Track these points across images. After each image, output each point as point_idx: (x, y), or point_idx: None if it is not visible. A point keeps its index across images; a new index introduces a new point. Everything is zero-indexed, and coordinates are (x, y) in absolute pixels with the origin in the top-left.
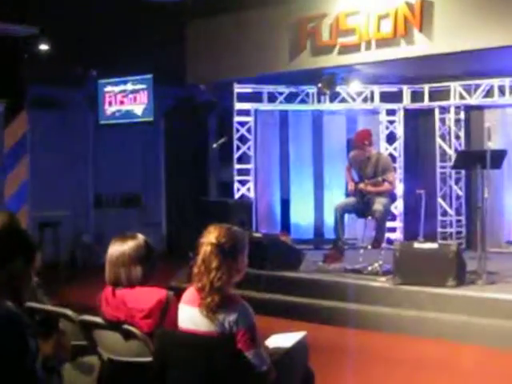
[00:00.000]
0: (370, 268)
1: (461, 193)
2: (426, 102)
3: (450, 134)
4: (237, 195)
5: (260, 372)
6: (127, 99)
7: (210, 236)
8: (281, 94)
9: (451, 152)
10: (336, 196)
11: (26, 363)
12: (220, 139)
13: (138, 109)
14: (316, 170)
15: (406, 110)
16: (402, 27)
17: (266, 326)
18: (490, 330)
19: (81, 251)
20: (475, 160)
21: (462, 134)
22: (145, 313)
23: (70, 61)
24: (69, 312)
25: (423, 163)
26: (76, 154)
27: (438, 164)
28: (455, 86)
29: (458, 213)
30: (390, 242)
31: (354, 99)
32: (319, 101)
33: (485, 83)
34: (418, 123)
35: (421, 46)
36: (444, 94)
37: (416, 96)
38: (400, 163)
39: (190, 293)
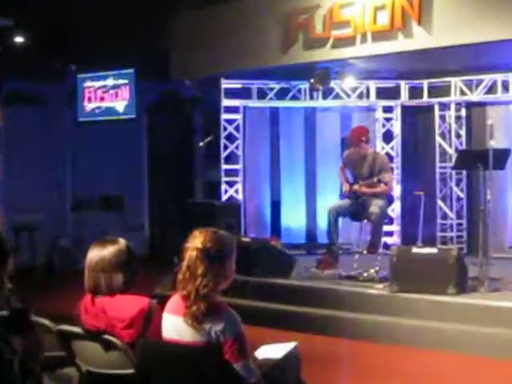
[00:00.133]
0: (365, 274)
1: (462, 194)
2: (425, 99)
3: (450, 132)
4: (224, 197)
5: None
6: (108, 95)
7: (196, 240)
8: (271, 89)
9: (451, 151)
10: (330, 198)
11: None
12: (206, 137)
13: (120, 105)
14: (308, 170)
15: (404, 107)
16: (399, 19)
17: (256, 336)
18: (492, 339)
19: (58, 256)
20: (477, 160)
21: (463, 132)
22: (126, 322)
23: (47, 54)
24: (46, 321)
25: (422, 163)
26: (53, 153)
27: (438, 164)
28: (456, 82)
29: (458, 216)
30: (386, 246)
31: (348, 95)
32: (312, 97)
33: (487, 78)
34: (417, 121)
35: (419, 39)
36: (444, 90)
37: (414, 92)
38: (397, 163)
39: (175, 301)
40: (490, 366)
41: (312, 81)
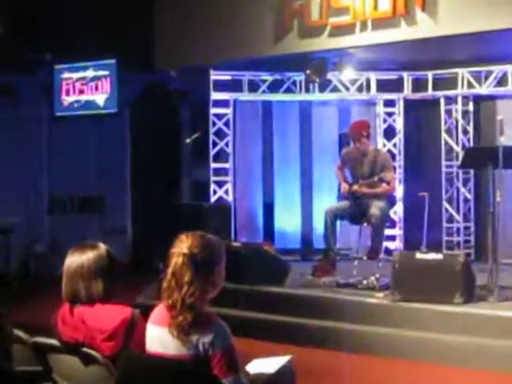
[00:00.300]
0: (365, 282)
1: (469, 196)
2: (430, 92)
3: (457, 128)
4: (213, 198)
5: None
6: (87, 88)
7: (182, 245)
8: (264, 82)
9: (458, 149)
10: (327, 199)
11: None
12: (194, 133)
13: (100, 98)
14: (304, 169)
15: (407, 101)
16: (402, 5)
17: (247, 349)
18: (502, 353)
19: (34, 262)
20: (486, 158)
21: (470, 128)
22: (107, 334)
23: (20, 43)
24: (20, 333)
25: (426, 162)
26: (28, 150)
27: (444, 163)
28: (463, 73)
29: (466, 219)
30: (388, 252)
31: (347, 88)
32: (307, 90)
33: (497, 70)
34: (421, 116)
35: (424, 26)
36: (450, 82)
37: (418, 84)
38: (400, 162)
39: (159, 311)
40: (498, 381)
41: (308, 72)
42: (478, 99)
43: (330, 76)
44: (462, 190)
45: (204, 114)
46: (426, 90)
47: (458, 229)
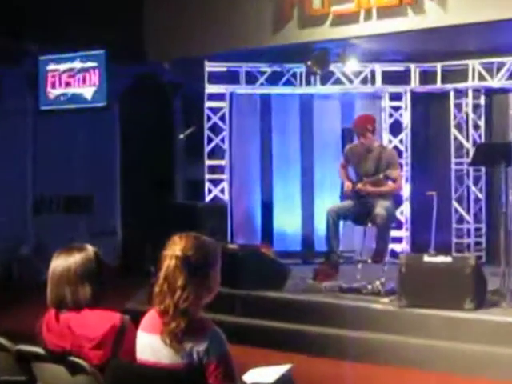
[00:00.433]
0: (370, 287)
1: (480, 195)
2: (439, 84)
3: (467, 122)
4: (208, 198)
5: None
6: (75, 80)
7: (175, 247)
8: (262, 74)
9: (469, 145)
10: (329, 199)
11: None
12: (187, 129)
13: (88, 92)
14: (305, 166)
15: (414, 94)
16: None
17: (244, 357)
18: None
19: (18, 266)
20: (498, 155)
21: (482, 122)
22: (95, 342)
23: (3, 33)
24: (3, 340)
25: (435, 159)
26: (12, 146)
27: (453, 160)
28: (474, 65)
29: (476, 219)
30: (394, 254)
31: (350, 80)
32: (308, 82)
33: (510, 61)
34: (429, 110)
35: (432, 15)
36: (460, 75)
37: (426, 77)
38: (406, 159)
39: (151, 317)
40: None
41: (309, 64)
42: (490, 92)
43: (332, 68)
44: (473, 188)
45: (198, 108)
46: (434, 82)
47: (469, 230)
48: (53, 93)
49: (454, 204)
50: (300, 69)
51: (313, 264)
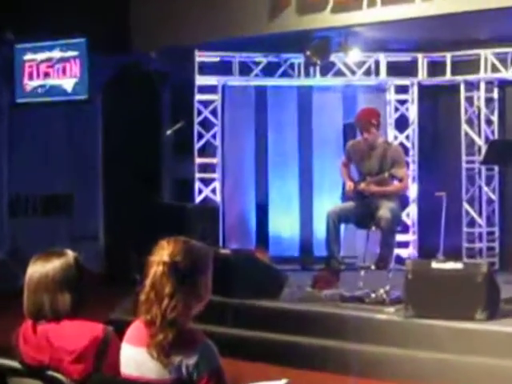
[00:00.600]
0: (373, 295)
1: (493, 196)
2: (448, 76)
3: (479, 117)
4: (198, 198)
5: None
6: (54, 70)
7: (162, 252)
8: (257, 64)
9: (481, 142)
10: (329, 200)
11: None
12: (176, 124)
13: (68, 83)
14: (303, 165)
15: (422, 87)
16: None
17: (236, 372)
18: None
19: None
20: None
21: (495, 117)
22: (75, 355)
23: None
24: None
25: (444, 157)
26: None
27: (464, 158)
28: (486, 55)
29: (489, 222)
30: (400, 260)
31: (353, 72)
32: (307, 74)
33: None
34: (438, 104)
35: (441, 1)
36: (472, 66)
37: (435, 68)
38: (413, 157)
39: (136, 328)
40: None
41: (308, 54)
42: (504, 85)
43: (333, 58)
44: (485, 189)
45: (188, 101)
46: (443, 74)
47: (481, 234)
48: (30, 84)
49: (465, 206)
50: (298, 59)
51: (312, 270)
